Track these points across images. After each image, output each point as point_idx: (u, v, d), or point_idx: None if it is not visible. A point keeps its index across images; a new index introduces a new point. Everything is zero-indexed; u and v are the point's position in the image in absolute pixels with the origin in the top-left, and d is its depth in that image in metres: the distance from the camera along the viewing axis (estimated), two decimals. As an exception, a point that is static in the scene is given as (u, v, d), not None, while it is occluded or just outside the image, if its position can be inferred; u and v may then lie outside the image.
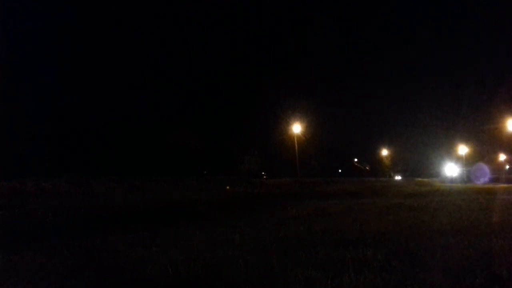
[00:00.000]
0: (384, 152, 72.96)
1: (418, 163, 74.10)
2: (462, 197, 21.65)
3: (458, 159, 71.95)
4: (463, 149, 66.72)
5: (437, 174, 73.23)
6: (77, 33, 66.87)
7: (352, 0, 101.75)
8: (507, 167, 72.30)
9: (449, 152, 71.84)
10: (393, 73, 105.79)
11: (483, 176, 58.80)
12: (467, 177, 64.61)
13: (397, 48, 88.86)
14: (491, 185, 44.29)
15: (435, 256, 6.07)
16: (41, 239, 8.78)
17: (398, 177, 67.12)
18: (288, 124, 41.14)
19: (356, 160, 78.20)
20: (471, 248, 6.50)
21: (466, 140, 66.55)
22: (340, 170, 69.87)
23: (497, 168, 68.63)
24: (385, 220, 10.79)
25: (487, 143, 64.32)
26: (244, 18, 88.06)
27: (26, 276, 5.56)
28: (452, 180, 64.30)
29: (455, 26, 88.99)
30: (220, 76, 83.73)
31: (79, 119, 48.55)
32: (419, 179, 57.96)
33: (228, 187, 24.74)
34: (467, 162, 68.81)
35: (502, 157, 70.25)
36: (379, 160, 73.93)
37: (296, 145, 39.25)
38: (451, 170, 74.02)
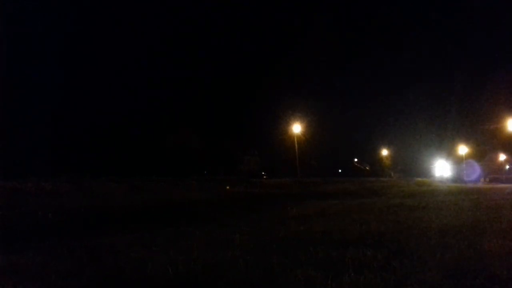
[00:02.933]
0: (384, 152, 73.05)
1: (414, 163, 74.34)
2: (462, 197, 21.67)
3: (449, 158, 71.91)
4: (463, 149, 66.72)
5: (428, 174, 73.35)
6: (77, 32, 66.90)
7: (352, 1, 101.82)
8: (507, 167, 72.32)
9: (441, 150, 71.79)
10: (393, 72, 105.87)
11: (475, 175, 58.65)
12: (458, 176, 64.67)
13: (398, 48, 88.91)
14: (491, 185, 44.33)
15: (435, 256, 6.07)
16: (41, 239, 8.78)
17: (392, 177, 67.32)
18: (288, 124, 41.24)
19: (356, 160, 78.26)
20: (471, 248, 6.50)
21: (466, 140, 66.58)
22: (340, 170, 69.93)
23: (497, 168, 68.66)
24: (385, 220, 10.78)
25: (487, 143, 64.30)
26: (244, 17, 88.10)
27: (26, 276, 5.57)
28: (442, 180, 64.26)
29: (454, 26, 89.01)
30: (220, 76, 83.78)
31: (79, 119, 48.58)
32: (419, 179, 57.98)
33: (228, 187, 24.75)
34: (460, 160, 68.81)
35: (502, 157, 70.24)
36: (379, 160, 73.99)
37: (296, 145, 39.28)
38: (442, 169, 73.85)
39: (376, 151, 73.03)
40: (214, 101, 71.28)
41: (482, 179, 61.28)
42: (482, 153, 68.51)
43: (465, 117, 63.99)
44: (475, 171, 61.19)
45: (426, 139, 68.90)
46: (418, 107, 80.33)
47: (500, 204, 15.59)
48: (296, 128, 40.06)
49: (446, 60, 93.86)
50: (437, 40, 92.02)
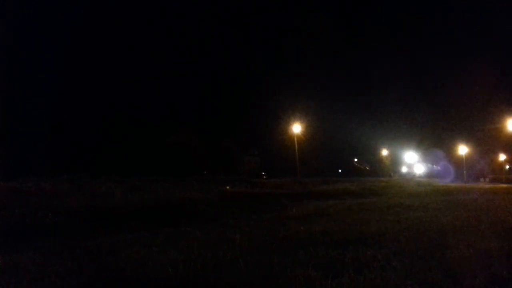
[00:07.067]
0: (384, 152, 72.99)
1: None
2: (463, 197, 21.66)
3: (420, 154, 71.48)
4: (463, 149, 66.61)
5: (394, 171, 73.15)
6: (77, 32, 66.90)
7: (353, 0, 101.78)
8: (507, 167, 72.31)
9: (411, 145, 71.15)
10: (392, 72, 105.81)
11: (449, 174, 58.48)
12: (431, 174, 64.48)
13: (397, 48, 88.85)
14: (491, 185, 44.31)
15: (435, 256, 6.07)
16: (41, 239, 8.78)
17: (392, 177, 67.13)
18: (288, 124, 41.12)
19: (356, 160, 78.23)
20: (471, 248, 6.50)
21: (466, 140, 66.46)
22: (340, 170, 69.90)
23: (497, 168, 68.63)
24: (385, 220, 10.79)
25: (487, 143, 64.21)
26: (243, 18, 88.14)
27: (26, 276, 5.56)
28: (414, 177, 64.02)
29: (453, 26, 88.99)
30: (220, 76, 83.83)
31: (79, 119, 48.61)
32: (421, 179, 57.97)
33: (228, 187, 24.69)
34: (436, 159, 68.59)
35: (502, 157, 70.20)
36: (379, 160, 73.95)
37: (296, 145, 39.22)
38: (413, 166, 73.26)
39: (376, 151, 73.01)
40: (214, 101, 71.32)
41: (482, 179, 61.31)
42: (482, 153, 68.41)
43: (465, 117, 63.92)
44: (449, 170, 61.53)
45: (398, 135, 68.70)
46: (393, 103, 79.70)
47: (501, 205, 15.58)
48: (296, 128, 39.98)
49: (442, 60, 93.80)
50: (436, 41, 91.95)
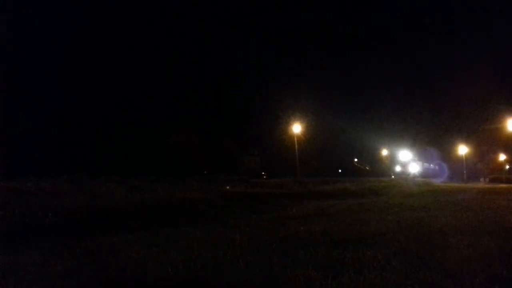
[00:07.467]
0: (384, 152, 72.97)
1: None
2: (462, 197, 21.67)
3: (415, 154, 71.28)
4: (463, 149, 66.59)
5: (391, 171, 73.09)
6: (78, 32, 66.92)
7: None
8: (507, 167, 72.33)
9: (405, 144, 71.01)
10: (392, 71, 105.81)
11: (443, 174, 58.54)
12: (426, 174, 64.42)
13: (397, 48, 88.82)
14: (491, 185, 44.34)
15: (435, 256, 6.07)
16: (41, 239, 8.77)
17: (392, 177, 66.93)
18: (288, 124, 41.17)
19: (356, 160, 78.28)
20: (471, 248, 6.50)
21: (466, 140, 66.47)
22: (340, 170, 69.98)
23: (497, 168, 68.68)
24: (385, 220, 10.78)
25: (487, 143, 64.22)
26: (243, 18, 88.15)
27: (26, 276, 5.56)
28: (409, 176, 64.07)
29: (453, 26, 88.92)
30: (220, 76, 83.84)
31: (79, 119, 48.63)
32: (418, 179, 57.99)
33: (228, 187, 24.68)
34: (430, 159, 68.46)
35: (502, 157, 70.21)
36: (379, 160, 73.96)
37: (296, 145, 39.24)
38: (407, 166, 73.25)
39: (376, 151, 73.01)
40: (215, 101, 71.39)
41: (482, 179, 61.34)
42: (482, 153, 68.44)
43: (465, 117, 63.94)
44: (446, 170, 61.65)
45: (398, 134, 68.65)
46: (393, 102, 79.80)
47: (501, 205, 15.58)
48: (296, 128, 40.01)
49: (441, 60, 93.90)
50: (436, 41, 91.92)
